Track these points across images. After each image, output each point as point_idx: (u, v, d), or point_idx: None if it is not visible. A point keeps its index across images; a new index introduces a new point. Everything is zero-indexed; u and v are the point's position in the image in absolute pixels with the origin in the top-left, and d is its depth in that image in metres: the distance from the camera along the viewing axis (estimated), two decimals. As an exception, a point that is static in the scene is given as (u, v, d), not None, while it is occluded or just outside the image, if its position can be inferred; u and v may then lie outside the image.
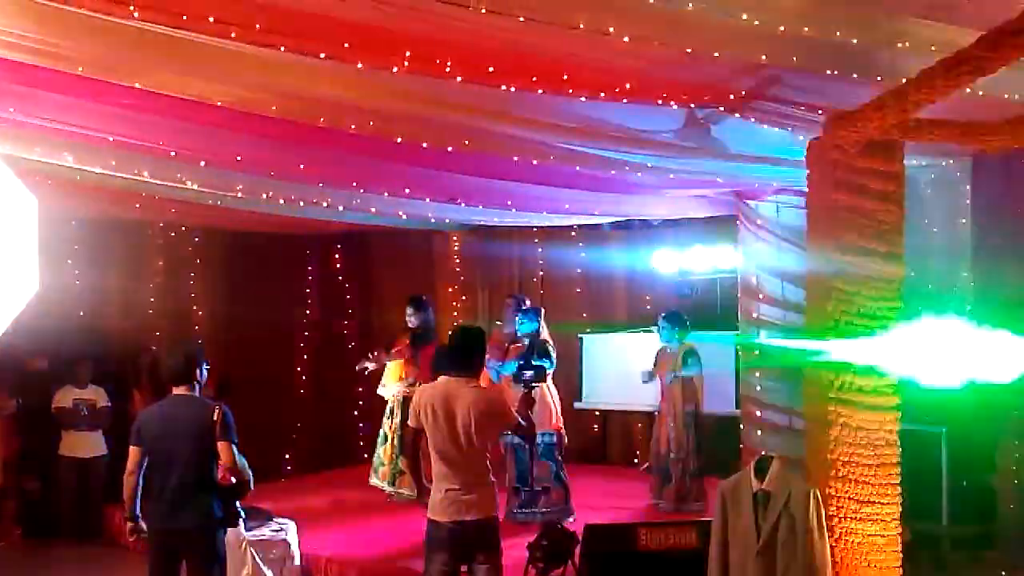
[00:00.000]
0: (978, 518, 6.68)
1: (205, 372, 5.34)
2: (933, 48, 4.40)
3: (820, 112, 5.31)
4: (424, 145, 6.04)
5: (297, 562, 6.89)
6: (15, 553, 8.50)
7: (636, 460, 10.65)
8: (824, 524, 4.65)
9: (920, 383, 5.44)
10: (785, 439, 7.09)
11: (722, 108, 5.40)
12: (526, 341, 7.97)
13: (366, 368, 9.11)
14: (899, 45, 4.50)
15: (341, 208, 8.66)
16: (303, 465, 11.06)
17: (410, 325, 8.90)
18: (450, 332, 5.44)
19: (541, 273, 11.73)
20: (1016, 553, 6.51)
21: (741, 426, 7.85)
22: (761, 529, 4.62)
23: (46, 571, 7.85)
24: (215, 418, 4.97)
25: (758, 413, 7.50)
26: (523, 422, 5.34)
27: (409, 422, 5.05)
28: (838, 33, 4.34)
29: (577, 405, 10.73)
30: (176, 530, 5.05)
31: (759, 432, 7.46)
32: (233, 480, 5.14)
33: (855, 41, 4.44)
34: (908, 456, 5.44)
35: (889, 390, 5.34)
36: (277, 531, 6.95)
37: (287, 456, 11.30)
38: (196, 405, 5.16)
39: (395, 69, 4.50)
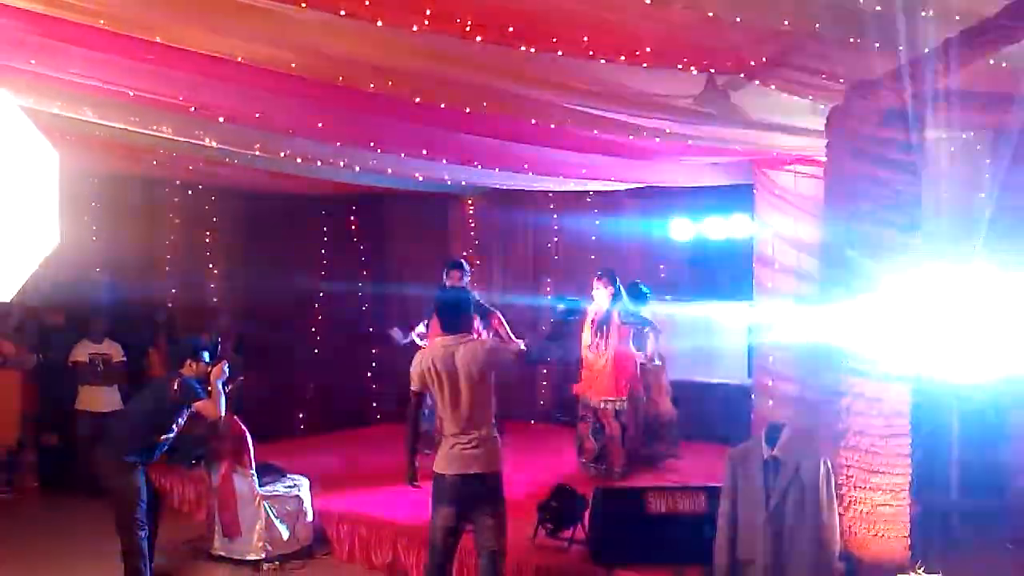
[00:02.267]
0: (988, 492, 6.68)
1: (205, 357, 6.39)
2: (957, 17, 4.36)
3: (841, 81, 5.28)
4: (442, 105, 6.03)
5: (309, 518, 6.98)
6: (32, 505, 8.63)
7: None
8: (834, 492, 4.67)
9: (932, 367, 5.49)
10: (796, 409, 7.12)
11: (742, 74, 5.37)
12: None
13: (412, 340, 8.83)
14: (922, 14, 4.45)
15: (357, 168, 8.65)
16: (316, 424, 11.15)
17: None
18: (437, 297, 5.68)
19: (556, 239, 11.74)
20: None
21: (752, 396, 7.87)
22: (771, 495, 4.65)
23: (62, 523, 7.96)
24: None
25: (770, 383, 7.52)
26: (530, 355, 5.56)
27: (412, 386, 5.16)
28: (860, 1, 4.30)
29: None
30: None
31: (770, 402, 7.48)
32: None
33: (878, 9, 4.39)
34: (919, 428, 5.46)
35: (902, 360, 5.34)
36: (290, 487, 7.03)
37: (300, 415, 11.39)
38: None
39: (415, 28, 4.49)
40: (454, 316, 5.22)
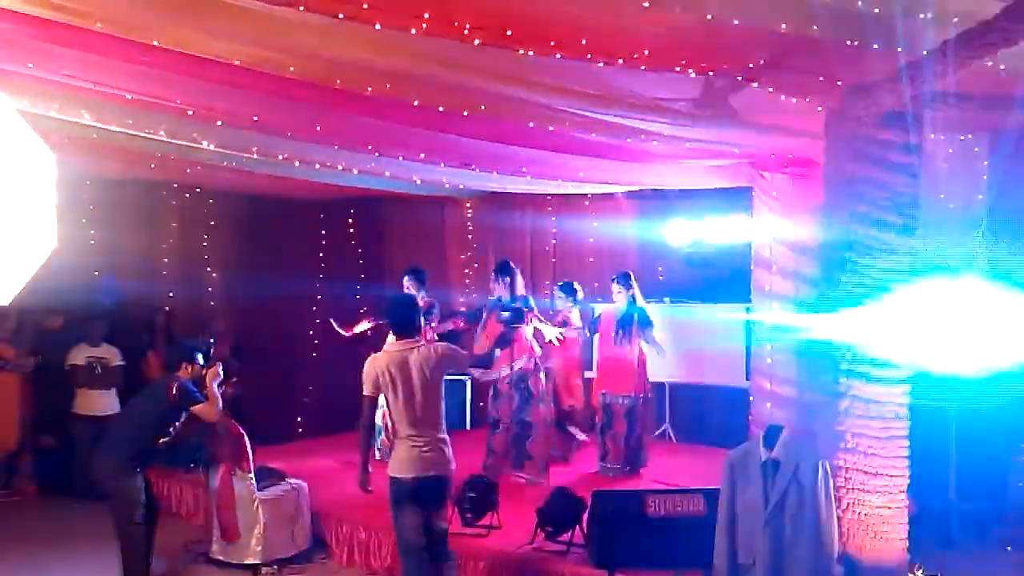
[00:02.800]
0: (986, 494, 6.68)
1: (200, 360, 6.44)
2: (955, 20, 4.36)
3: (839, 83, 5.28)
4: (440, 109, 6.04)
5: (308, 521, 6.97)
6: (30, 508, 8.61)
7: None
8: (832, 494, 4.67)
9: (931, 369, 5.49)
10: (794, 411, 7.11)
11: (740, 77, 5.37)
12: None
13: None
14: (920, 16, 4.45)
15: (356, 171, 8.65)
16: (314, 428, 11.14)
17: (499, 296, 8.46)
18: (387, 304, 5.75)
19: (554, 242, 11.72)
20: (1022, 529, 6.52)
21: (751, 398, 7.86)
22: (769, 498, 4.65)
23: (60, 527, 7.95)
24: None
25: (768, 385, 7.51)
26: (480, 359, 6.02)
27: (365, 391, 5.32)
28: (859, 3, 4.30)
29: (588, 375, 10.76)
30: None
31: (768, 404, 7.46)
32: None
33: (876, 11, 4.39)
34: (917, 430, 5.46)
35: (901, 363, 5.34)
36: (289, 490, 7.02)
37: (299, 419, 11.38)
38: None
39: (413, 31, 4.49)
40: (405, 321, 5.38)
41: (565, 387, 9.19)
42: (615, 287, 8.69)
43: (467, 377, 10.90)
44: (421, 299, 8.51)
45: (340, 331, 9.14)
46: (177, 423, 6.29)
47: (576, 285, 9.24)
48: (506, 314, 7.49)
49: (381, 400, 5.47)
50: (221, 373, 6.49)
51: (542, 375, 8.19)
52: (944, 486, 6.63)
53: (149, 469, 6.34)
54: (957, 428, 6.60)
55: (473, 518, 6.38)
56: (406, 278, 8.96)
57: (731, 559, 4.81)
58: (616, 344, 8.58)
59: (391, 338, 5.50)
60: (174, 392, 6.15)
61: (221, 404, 6.44)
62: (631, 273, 8.83)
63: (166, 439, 6.27)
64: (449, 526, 5.71)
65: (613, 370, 8.65)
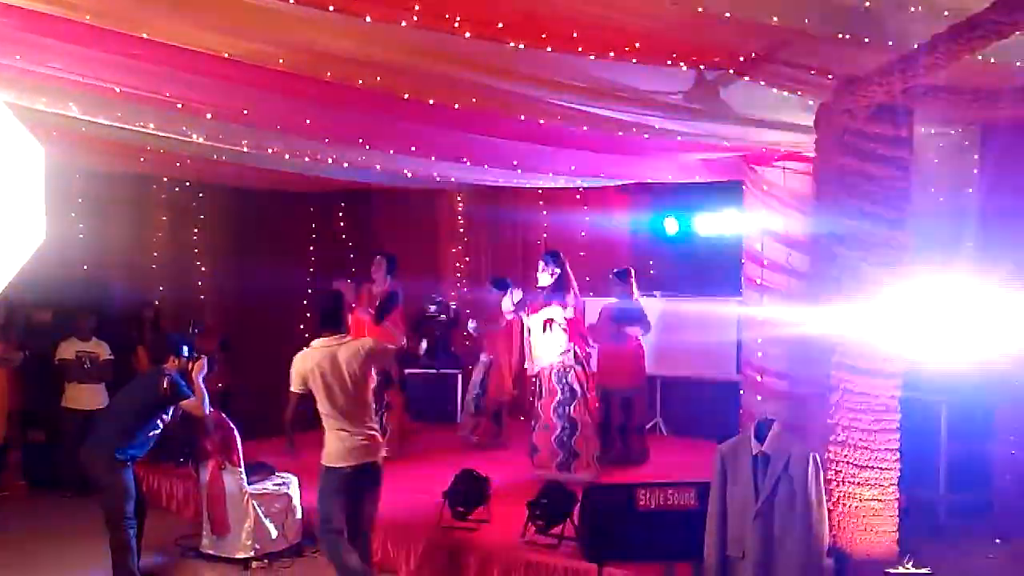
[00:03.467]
0: (974, 486, 6.71)
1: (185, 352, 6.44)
2: (946, 13, 4.37)
3: (830, 76, 5.28)
4: (431, 102, 6.02)
5: (299, 516, 6.95)
6: (19, 503, 8.58)
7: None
8: (823, 487, 4.67)
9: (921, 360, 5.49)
10: (785, 404, 7.12)
11: (731, 70, 5.37)
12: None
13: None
14: (911, 9, 4.46)
15: (346, 165, 8.62)
16: (305, 422, 11.04)
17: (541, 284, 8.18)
18: (319, 299, 6.02)
19: (545, 235, 11.71)
20: (1011, 521, 6.54)
21: (741, 391, 7.88)
22: (760, 491, 4.64)
23: (49, 521, 7.92)
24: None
25: (758, 378, 7.53)
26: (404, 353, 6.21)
27: (294, 388, 5.53)
28: (850, -4, 4.31)
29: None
30: None
31: (759, 397, 7.49)
32: None
33: (867, 5, 4.40)
34: (907, 423, 5.48)
35: (891, 356, 5.35)
36: (279, 485, 7.00)
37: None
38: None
39: (404, 23, 4.47)
40: (332, 317, 5.58)
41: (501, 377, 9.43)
42: (614, 280, 8.84)
43: (458, 371, 10.89)
44: (386, 284, 8.77)
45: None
46: (166, 417, 6.27)
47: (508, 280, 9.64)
48: (432, 307, 7.60)
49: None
50: (206, 367, 6.46)
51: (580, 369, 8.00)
52: (933, 478, 6.65)
53: (137, 463, 6.29)
54: (946, 421, 6.61)
55: (464, 512, 6.37)
56: (378, 257, 9.03)
57: (721, 552, 4.80)
58: (612, 339, 8.63)
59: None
60: (165, 386, 6.11)
61: (208, 398, 6.41)
62: (630, 270, 8.92)
63: (156, 432, 6.25)
64: (440, 520, 5.95)
65: (610, 364, 8.70)
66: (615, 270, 8.96)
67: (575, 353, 7.90)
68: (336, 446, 5.45)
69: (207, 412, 6.44)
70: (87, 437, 6.35)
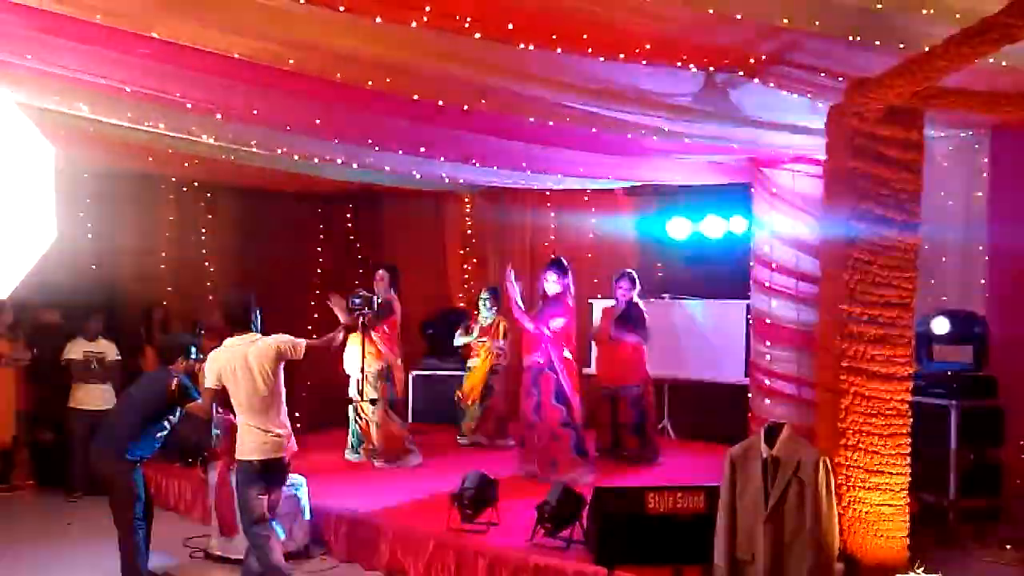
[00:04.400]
0: (985, 491, 6.68)
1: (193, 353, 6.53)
2: (958, 16, 4.35)
3: (840, 78, 5.26)
4: (440, 103, 6.02)
5: (307, 517, 6.94)
6: (28, 502, 8.60)
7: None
8: (833, 492, 4.66)
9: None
10: (793, 409, 7.11)
11: (742, 72, 5.36)
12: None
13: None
14: (923, 12, 4.45)
15: (355, 166, 8.62)
16: (313, 424, 11.11)
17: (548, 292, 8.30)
18: (224, 300, 6.31)
19: (552, 237, 11.69)
20: (1021, 527, 6.52)
21: (750, 395, 7.85)
22: (770, 495, 4.63)
23: (58, 521, 7.93)
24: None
25: (767, 382, 7.50)
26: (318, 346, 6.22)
27: (209, 384, 5.76)
28: (862, -2, 4.30)
29: (587, 371, 10.75)
30: None
31: (767, 401, 7.46)
32: None
33: (879, 7, 4.38)
34: (917, 428, 5.45)
35: (902, 360, 5.33)
36: (288, 487, 6.98)
37: (297, 414, 11.32)
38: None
39: (414, 24, 4.47)
40: (241, 318, 5.82)
41: None
42: (621, 284, 8.92)
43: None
44: (388, 295, 8.79)
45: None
46: (173, 418, 6.28)
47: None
48: (356, 301, 7.73)
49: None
50: None
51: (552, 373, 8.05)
52: (943, 483, 6.61)
53: (146, 463, 6.29)
54: (956, 425, 6.58)
55: (472, 515, 6.36)
56: (380, 272, 9.07)
57: (731, 556, 4.80)
58: (614, 339, 8.79)
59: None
60: (173, 388, 6.13)
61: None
62: (632, 272, 9.04)
63: (163, 433, 6.26)
64: (448, 522, 6.08)
65: (611, 364, 8.92)
66: (620, 272, 9.03)
67: (552, 359, 7.96)
68: (246, 440, 5.67)
69: (211, 415, 6.46)
70: (95, 438, 6.36)
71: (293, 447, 5.87)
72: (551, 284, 8.06)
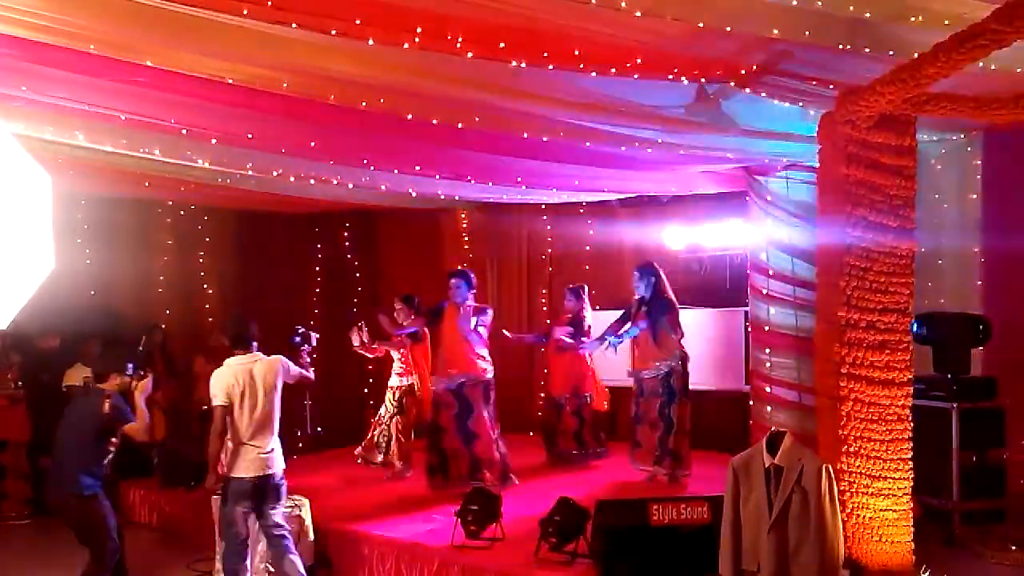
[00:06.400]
0: (988, 493, 6.69)
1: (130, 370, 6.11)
2: (946, 22, 4.39)
3: (832, 87, 5.30)
4: (434, 122, 6.03)
5: (311, 537, 6.93)
6: (28, 531, 8.56)
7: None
8: (836, 499, 4.66)
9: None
10: (795, 415, 7.11)
11: (733, 83, 5.39)
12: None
13: None
14: (912, 19, 4.48)
15: (351, 185, 8.64)
16: (314, 443, 11.10)
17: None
18: (229, 322, 6.43)
19: (550, 250, 11.72)
20: (1026, 527, 6.54)
21: (750, 402, 7.86)
22: (773, 504, 4.62)
23: (58, 550, 7.89)
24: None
25: (768, 389, 7.50)
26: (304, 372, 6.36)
27: (219, 402, 5.74)
28: (851, 8, 4.33)
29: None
30: None
31: (768, 408, 7.47)
32: None
33: (868, 15, 4.42)
34: (918, 432, 5.46)
35: (902, 365, 5.34)
36: (291, 508, 6.97)
37: (298, 433, 11.34)
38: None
39: (406, 45, 4.50)
40: (243, 338, 5.96)
41: None
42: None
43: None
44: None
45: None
46: (116, 440, 5.92)
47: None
48: (297, 338, 7.82)
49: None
50: (150, 387, 6.17)
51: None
52: (946, 486, 6.62)
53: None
54: (958, 428, 6.60)
55: (477, 530, 6.36)
56: (396, 303, 9.15)
57: (736, 566, 4.79)
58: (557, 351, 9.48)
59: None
60: (107, 410, 5.74)
61: (148, 419, 6.12)
62: (582, 287, 9.56)
63: (109, 457, 5.93)
64: (452, 538, 6.15)
65: (558, 373, 9.56)
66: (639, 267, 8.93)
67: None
68: (242, 456, 5.73)
69: (147, 436, 6.19)
70: (47, 481, 6.08)
71: (280, 466, 5.91)
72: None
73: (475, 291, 8.35)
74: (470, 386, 8.05)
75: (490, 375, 8.14)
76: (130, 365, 6.08)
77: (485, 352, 8.18)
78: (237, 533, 5.79)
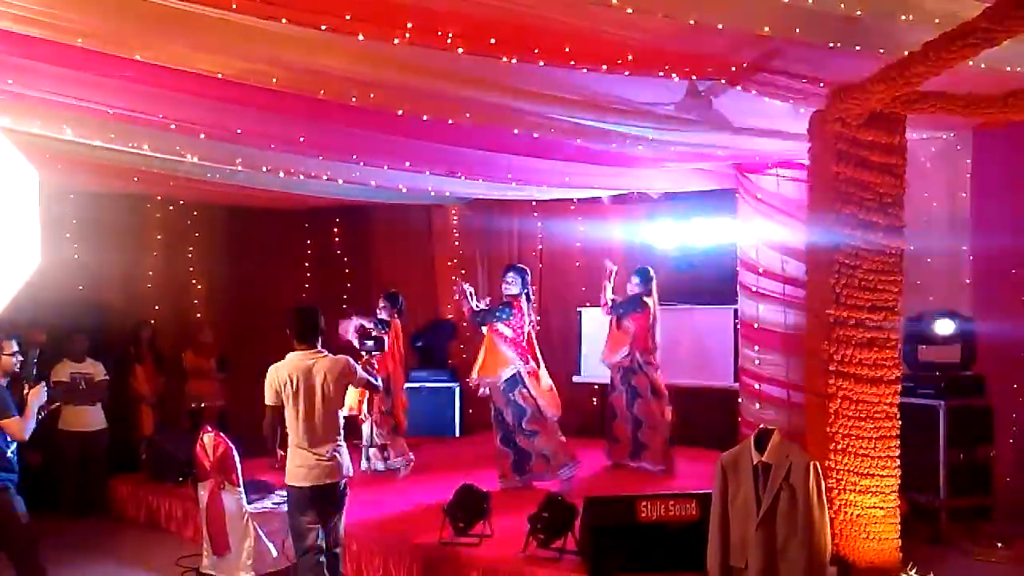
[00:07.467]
0: (975, 491, 6.72)
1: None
2: (937, 20, 4.39)
3: (822, 84, 5.30)
4: (425, 118, 6.02)
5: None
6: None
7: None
8: (824, 496, 4.67)
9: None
10: (783, 413, 7.13)
11: (724, 80, 5.38)
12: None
13: None
14: (903, 17, 4.48)
15: (341, 181, 8.62)
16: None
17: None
18: (293, 312, 5.63)
19: (540, 247, 11.73)
20: (1012, 524, 6.56)
21: (739, 399, 7.87)
22: (761, 500, 4.64)
23: (46, 544, 7.86)
24: None
25: (757, 386, 7.52)
26: (371, 379, 5.94)
27: (268, 401, 5.38)
28: (842, 5, 4.32)
29: (576, 379, 10.77)
30: None
31: (757, 405, 7.48)
32: None
33: (858, 13, 4.41)
34: (906, 429, 5.48)
35: (890, 363, 5.36)
36: (279, 504, 6.96)
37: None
38: None
39: (396, 41, 4.48)
40: (309, 330, 5.45)
41: None
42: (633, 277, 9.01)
43: (456, 384, 10.91)
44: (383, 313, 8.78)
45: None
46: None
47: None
48: (369, 343, 7.92)
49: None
50: (44, 395, 5.81)
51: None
52: (934, 483, 6.64)
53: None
54: (945, 426, 6.62)
55: (465, 527, 6.35)
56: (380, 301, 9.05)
57: (724, 562, 4.80)
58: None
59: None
60: None
61: (34, 425, 5.74)
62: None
63: (11, 449, 5.71)
64: (440, 535, 6.04)
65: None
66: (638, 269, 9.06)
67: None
68: (297, 463, 5.36)
69: (26, 438, 5.71)
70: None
71: (349, 471, 5.52)
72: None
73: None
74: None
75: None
76: (15, 342, 5.84)
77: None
78: (306, 545, 5.36)
